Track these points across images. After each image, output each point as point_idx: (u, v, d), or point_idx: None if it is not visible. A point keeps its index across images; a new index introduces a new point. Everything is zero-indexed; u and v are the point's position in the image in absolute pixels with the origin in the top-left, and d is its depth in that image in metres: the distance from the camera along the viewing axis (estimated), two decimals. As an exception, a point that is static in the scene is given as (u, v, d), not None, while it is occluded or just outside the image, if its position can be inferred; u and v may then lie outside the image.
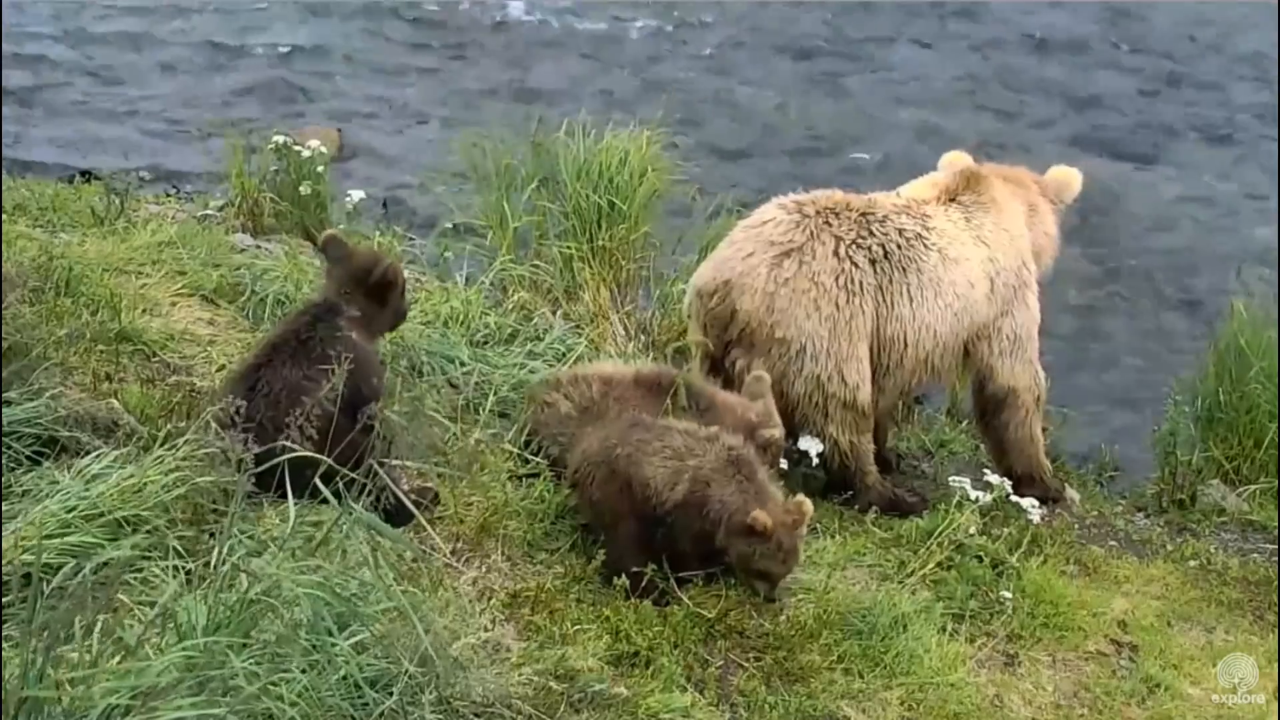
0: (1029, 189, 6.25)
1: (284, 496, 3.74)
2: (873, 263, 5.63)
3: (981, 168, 6.20)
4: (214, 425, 3.99)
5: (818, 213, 5.69)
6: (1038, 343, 6.08)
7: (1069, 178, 6.36)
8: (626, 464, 4.48)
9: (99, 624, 3.03)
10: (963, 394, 6.99)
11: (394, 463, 4.15)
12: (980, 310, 5.84)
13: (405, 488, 4.33)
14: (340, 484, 3.59)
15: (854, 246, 5.62)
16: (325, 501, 3.65)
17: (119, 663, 2.91)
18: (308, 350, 4.41)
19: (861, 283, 5.60)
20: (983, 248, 5.86)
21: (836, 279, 5.57)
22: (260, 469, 3.50)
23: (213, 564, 3.34)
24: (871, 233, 5.68)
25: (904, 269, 5.67)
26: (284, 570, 3.28)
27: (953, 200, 5.97)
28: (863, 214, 5.73)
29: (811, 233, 5.61)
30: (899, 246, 5.68)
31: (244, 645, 3.13)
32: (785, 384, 5.52)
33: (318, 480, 3.59)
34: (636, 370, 5.49)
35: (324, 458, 3.57)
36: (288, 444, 3.49)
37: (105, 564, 3.60)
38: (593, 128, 7.08)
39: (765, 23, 14.40)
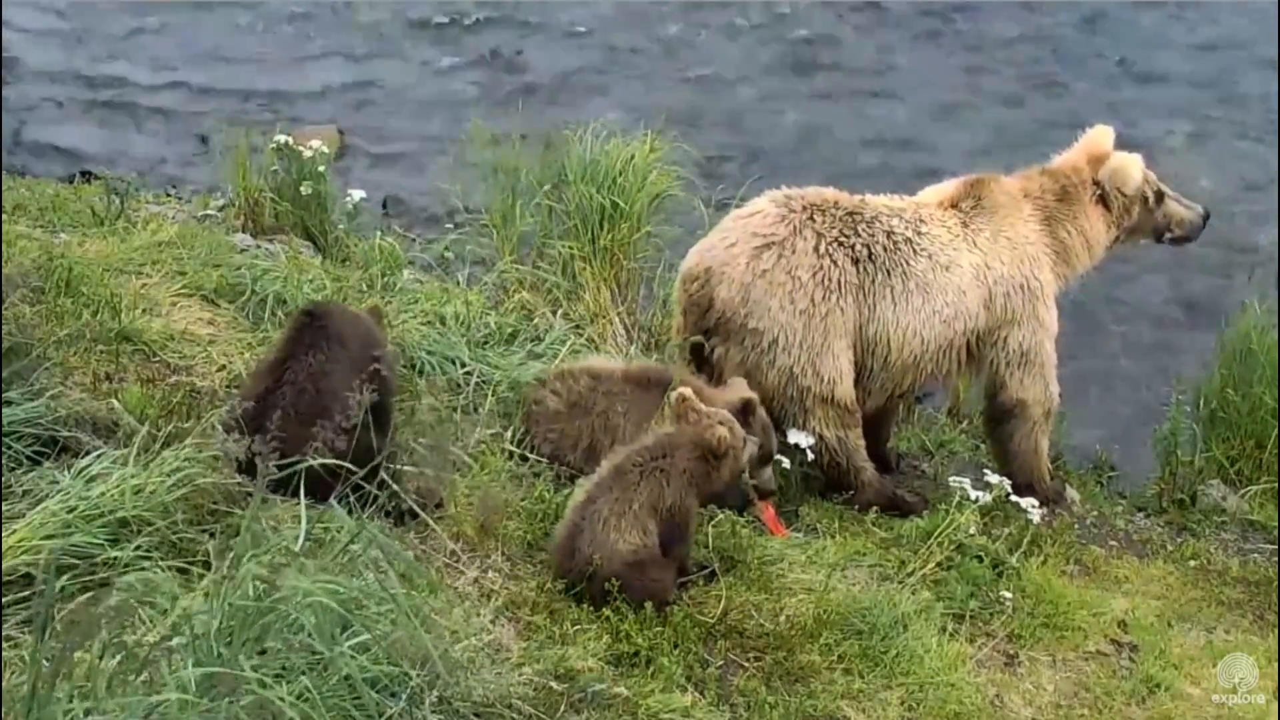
0: (1063, 185, 6.06)
1: (286, 494, 3.74)
2: (855, 262, 5.62)
3: (986, 175, 6.13)
4: (220, 428, 4.00)
5: (804, 208, 5.69)
6: (1054, 356, 6.01)
7: (1122, 164, 6.12)
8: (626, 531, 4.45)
9: (109, 636, 2.99)
10: (965, 395, 7.00)
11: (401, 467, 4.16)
12: (976, 317, 5.80)
13: (407, 487, 4.34)
14: (350, 491, 3.60)
15: (835, 244, 5.61)
16: (339, 502, 3.65)
17: (134, 679, 2.89)
18: (326, 334, 4.49)
19: (840, 281, 5.58)
20: (977, 254, 5.82)
21: (814, 275, 5.56)
22: (284, 474, 3.50)
23: (224, 569, 3.32)
24: (857, 232, 5.67)
25: (889, 271, 5.66)
26: (304, 581, 3.25)
27: (953, 206, 5.95)
28: (850, 213, 5.72)
29: (795, 227, 5.61)
30: (885, 249, 5.67)
31: (256, 653, 3.12)
32: (759, 375, 5.52)
33: (330, 479, 3.60)
34: (625, 365, 5.53)
35: (346, 464, 3.58)
36: (308, 452, 3.48)
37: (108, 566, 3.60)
38: (603, 129, 7.07)
39: (770, 24, 14.40)
